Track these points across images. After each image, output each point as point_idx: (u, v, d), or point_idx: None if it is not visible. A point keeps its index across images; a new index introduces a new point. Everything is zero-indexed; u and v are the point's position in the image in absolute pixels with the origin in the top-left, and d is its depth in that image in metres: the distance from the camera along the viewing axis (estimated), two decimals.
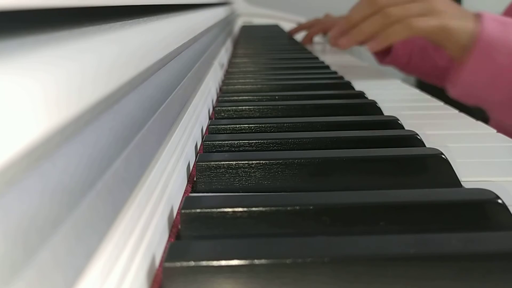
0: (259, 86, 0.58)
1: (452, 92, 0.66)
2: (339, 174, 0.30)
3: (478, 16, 0.60)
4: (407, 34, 0.60)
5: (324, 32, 1.17)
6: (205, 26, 0.59)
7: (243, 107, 0.46)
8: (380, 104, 0.46)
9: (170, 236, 0.24)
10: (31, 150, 0.12)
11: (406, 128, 0.39)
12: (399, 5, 0.61)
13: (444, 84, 0.70)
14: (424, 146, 0.35)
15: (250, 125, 0.39)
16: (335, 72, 0.69)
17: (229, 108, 0.46)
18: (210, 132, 0.39)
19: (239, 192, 0.30)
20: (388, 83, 0.68)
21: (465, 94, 0.64)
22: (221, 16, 0.88)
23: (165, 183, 0.25)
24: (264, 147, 0.35)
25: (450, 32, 0.59)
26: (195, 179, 0.30)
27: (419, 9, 0.60)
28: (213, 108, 0.49)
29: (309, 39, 1.16)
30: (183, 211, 0.24)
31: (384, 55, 0.99)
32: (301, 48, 1.03)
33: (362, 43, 0.67)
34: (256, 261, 0.19)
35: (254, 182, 0.30)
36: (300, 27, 1.24)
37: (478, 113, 0.57)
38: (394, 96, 0.58)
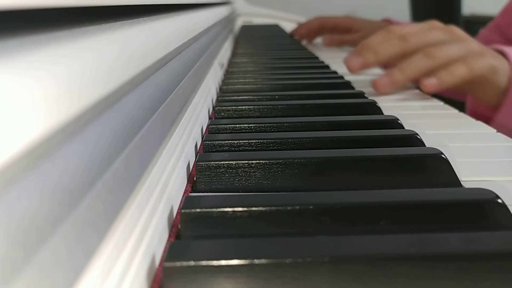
0: (259, 85, 0.58)
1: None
2: (339, 174, 0.30)
3: (500, 53, 0.55)
4: (468, 77, 0.52)
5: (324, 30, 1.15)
6: (205, 25, 0.59)
7: (243, 107, 0.46)
8: (380, 104, 0.46)
9: (170, 235, 0.24)
10: (31, 150, 0.12)
11: (406, 127, 0.39)
12: (437, 46, 0.54)
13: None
14: (424, 145, 0.35)
15: (250, 125, 0.39)
16: (335, 72, 0.69)
17: (229, 107, 0.46)
18: (210, 131, 0.39)
19: (239, 192, 0.30)
20: None
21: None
22: (221, 16, 0.88)
23: (165, 183, 0.25)
24: (264, 147, 0.35)
25: (497, 72, 0.52)
26: (195, 178, 0.30)
27: (462, 48, 0.53)
28: (213, 107, 0.49)
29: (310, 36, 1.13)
30: (183, 210, 0.24)
31: None
32: (301, 48, 1.03)
33: (401, 82, 0.57)
34: (256, 261, 0.19)
35: (254, 181, 0.30)
36: (304, 28, 1.20)
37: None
38: (394, 95, 0.58)
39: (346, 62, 0.61)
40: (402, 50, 0.56)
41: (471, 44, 0.54)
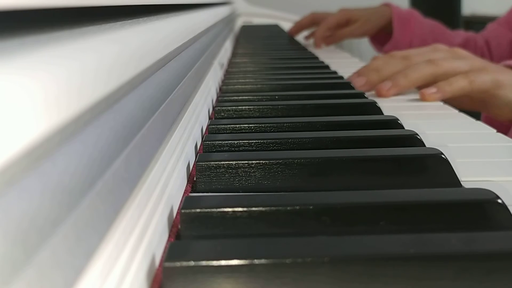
0: (259, 86, 0.58)
1: None
2: (339, 174, 0.30)
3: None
4: (468, 91, 0.53)
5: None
6: (205, 26, 0.59)
7: (243, 107, 0.46)
8: (380, 104, 0.46)
9: (170, 236, 0.24)
10: (31, 150, 0.12)
11: (406, 128, 0.39)
12: (446, 60, 0.56)
13: None
14: (424, 146, 0.35)
15: (250, 125, 0.39)
16: (335, 72, 0.69)
17: (229, 108, 0.46)
18: (210, 132, 0.39)
19: (239, 192, 0.30)
20: None
21: None
22: (221, 16, 0.88)
23: (165, 183, 0.25)
24: (264, 147, 0.35)
25: (503, 87, 0.53)
26: (195, 179, 0.30)
27: (464, 63, 0.55)
28: (213, 108, 0.49)
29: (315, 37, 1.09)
30: (183, 211, 0.24)
31: (382, 43, 1.02)
32: (301, 48, 1.03)
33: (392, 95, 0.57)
34: (256, 261, 0.19)
35: (254, 182, 0.30)
36: (299, 26, 1.21)
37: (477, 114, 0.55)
38: (394, 95, 0.58)
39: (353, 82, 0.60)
40: (406, 67, 0.56)
41: (475, 61, 0.55)
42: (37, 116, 0.12)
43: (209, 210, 0.24)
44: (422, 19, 1.09)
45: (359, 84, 0.58)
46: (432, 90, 0.53)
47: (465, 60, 0.55)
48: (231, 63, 0.78)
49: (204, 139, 0.35)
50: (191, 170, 0.33)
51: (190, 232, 0.23)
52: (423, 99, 0.54)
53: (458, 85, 0.52)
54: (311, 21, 1.16)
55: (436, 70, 0.54)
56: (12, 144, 0.11)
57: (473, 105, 0.59)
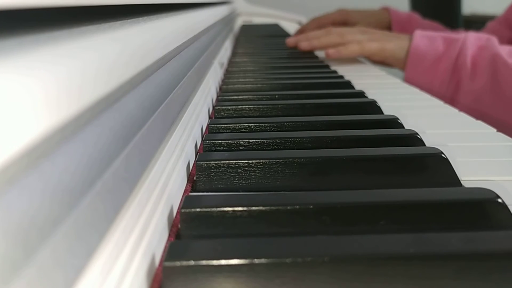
0: (259, 85, 0.58)
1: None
2: (339, 174, 0.30)
3: (412, 36, 0.81)
4: (359, 53, 0.81)
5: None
6: (205, 25, 0.59)
7: (243, 106, 0.46)
8: (380, 104, 0.46)
9: (170, 235, 0.24)
10: (31, 149, 0.12)
11: (406, 127, 0.39)
12: (351, 33, 0.84)
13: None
14: (424, 145, 0.35)
15: (250, 124, 0.39)
16: (335, 71, 0.69)
17: (229, 107, 0.46)
18: (210, 131, 0.39)
19: (239, 192, 0.29)
20: (388, 83, 0.68)
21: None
22: (221, 15, 0.88)
23: (165, 183, 0.25)
24: (264, 147, 0.35)
25: (387, 51, 0.80)
26: (195, 178, 0.30)
27: (365, 37, 0.82)
28: (213, 107, 0.49)
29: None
30: (183, 210, 0.23)
31: None
32: None
33: (315, 49, 0.90)
34: (256, 261, 0.19)
35: (254, 181, 0.30)
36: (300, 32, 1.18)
37: None
38: (394, 95, 0.58)
39: (294, 42, 0.92)
40: (339, 43, 0.83)
41: (375, 34, 0.83)
42: (37, 115, 0.12)
43: (209, 209, 0.24)
44: (422, 21, 1.09)
45: (303, 47, 0.89)
46: (332, 50, 0.82)
47: (367, 34, 0.82)
48: (231, 63, 0.78)
49: (204, 138, 0.35)
50: (191, 170, 0.33)
51: (190, 231, 0.23)
52: (327, 57, 0.83)
53: (351, 49, 0.81)
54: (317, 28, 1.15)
55: (340, 41, 0.82)
56: (13, 143, 0.11)
57: (381, 62, 0.85)
